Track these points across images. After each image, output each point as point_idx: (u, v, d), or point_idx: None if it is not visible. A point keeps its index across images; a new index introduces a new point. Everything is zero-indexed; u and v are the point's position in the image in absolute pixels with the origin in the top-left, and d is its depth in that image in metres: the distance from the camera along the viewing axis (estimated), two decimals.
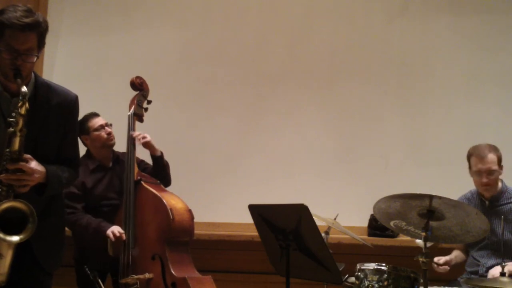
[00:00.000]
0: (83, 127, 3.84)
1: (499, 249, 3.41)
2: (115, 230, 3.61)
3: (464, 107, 4.57)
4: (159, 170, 3.89)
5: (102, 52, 4.95)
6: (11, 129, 2.39)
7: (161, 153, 3.90)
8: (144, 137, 3.82)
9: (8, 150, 2.40)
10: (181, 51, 4.89)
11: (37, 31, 2.44)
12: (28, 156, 2.46)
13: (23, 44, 2.41)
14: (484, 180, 3.49)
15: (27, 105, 2.40)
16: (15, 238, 2.37)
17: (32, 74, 2.59)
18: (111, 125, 3.92)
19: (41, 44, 2.49)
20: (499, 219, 3.41)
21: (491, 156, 3.48)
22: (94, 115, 3.90)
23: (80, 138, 3.87)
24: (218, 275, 3.75)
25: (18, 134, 2.40)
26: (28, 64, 2.45)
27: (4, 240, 2.36)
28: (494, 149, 3.51)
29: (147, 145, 3.83)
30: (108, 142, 3.87)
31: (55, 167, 2.59)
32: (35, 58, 2.47)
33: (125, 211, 3.66)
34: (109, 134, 3.87)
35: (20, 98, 2.39)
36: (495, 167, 3.47)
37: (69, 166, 2.71)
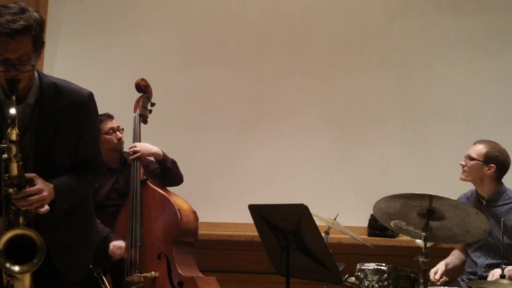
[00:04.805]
0: None
1: (494, 250, 3.42)
2: (117, 246, 3.59)
3: (464, 107, 4.56)
4: (166, 172, 3.88)
5: (102, 52, 4.95)
6: (5, 156, 2.23)
7: (163, 154, 3.86)
8: (134, 152, 3.79)
9: (7, 175, 2.25)
10: (181, 51, 4.89)
11: (30, 35, 2.22)
12: (32, 175, 2.30)
13: (14, 51, 2.20)
14: (461, 162, 3.55)
15: (17, 130, 2.22)
16: (16, 269, 2.25)
17: (36, 75, 2.40)
18: (122, 130, 3.89)
19: (37, 46, 2.28)
20: (494, 219, 3.41)
21: (478, 146, 3.52)
22: (108, 117, 3.86)
23: None
24: (218, 275, 3.76)
25: (14, 160, 2.24)
26: (25, 73, 2.26)
27: (6, 269, 2.25)
28: (489, 145, 3.50)
29: (143, 158, 3.83)
30: (117, 147, 3.85)
31: (66, 178, 2.42)
32: (31, 67, 2.27)
33: (131, 210, 3.67)
34: (119, 139, 3.84)
35: (9, 122, 2.21)
36: (474, 155, 3.50)
37: (89, 168, 2.52)
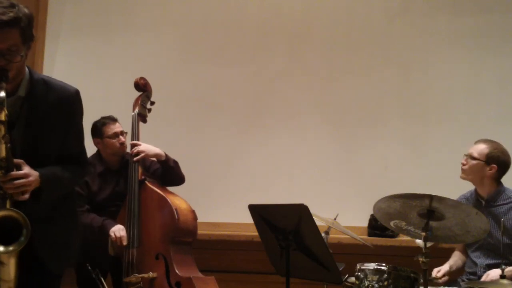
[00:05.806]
0: (98, 130, 3.82)
1: (493, 250, 3.43)
2: (116, 231, 3.61)
3: (464, 107, 4.56)
4: (168, 172, 3.88)
5: (103, 52, 4.95)
6: None
7: (166, 155, 3.87)
8: (137, 153, 3.78)
9: None
10: (181, 51, 4.89)
11: (18, 27, 2.31)
12: (20, 161, 2.36)
13: (3, 42, 2.29)
14: (462, 160, 3.56)
15: (5, 110, 2.28)
16: (0, 249, 2.25)
17: (26, 70, 2.48)
18: (126, 133, 3.88)
19: (26, 39, 2.36)
20: (493, 219, 3.41)
21: (480, 146, 3.52)
22: (112, 120, 3.86)
23: (92, 140, 3.84)
24: (218, 275, 3.76)
25: (2, 141, 2.29)
26: (14, 64, 2.33)
27: None
28: (492, 145, 3.50)
29: (144, 159, 3.82)
30: (119, 151, 3.85)
31: (53, 169, 2.49)
32: (20, 57, 2.34)
33: (129, 210, 3.67)
34: (122, 143, 3.83)
35: None
36: (476, 155, 3.49)
37: (73, 164, 2.60)
